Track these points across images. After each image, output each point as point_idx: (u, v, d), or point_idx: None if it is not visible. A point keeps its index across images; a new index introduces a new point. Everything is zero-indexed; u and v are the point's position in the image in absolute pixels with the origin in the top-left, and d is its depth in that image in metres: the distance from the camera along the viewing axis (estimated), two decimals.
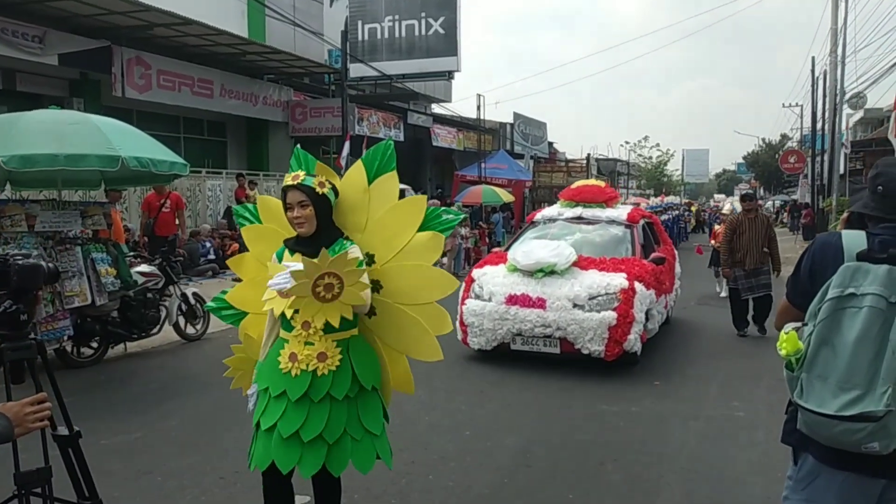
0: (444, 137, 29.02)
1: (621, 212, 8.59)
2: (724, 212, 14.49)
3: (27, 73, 14.07)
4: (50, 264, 2.78)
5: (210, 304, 3.38)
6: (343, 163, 19.33)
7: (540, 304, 6.85)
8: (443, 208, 3.13)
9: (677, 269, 9.59)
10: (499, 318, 6.99)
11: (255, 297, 3.05)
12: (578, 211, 8.60)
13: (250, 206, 3.33)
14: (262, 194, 18.03)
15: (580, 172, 43.72)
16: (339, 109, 19.47)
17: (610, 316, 6.67)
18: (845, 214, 3.46)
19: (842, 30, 24.09)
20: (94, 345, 7.26)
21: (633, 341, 6.78)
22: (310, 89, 21.75)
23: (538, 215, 9.08)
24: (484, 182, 25.20)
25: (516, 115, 36.13)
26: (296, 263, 2.74)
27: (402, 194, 12.65)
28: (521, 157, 33.82)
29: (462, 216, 3.31)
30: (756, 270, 8.79)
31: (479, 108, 29.22)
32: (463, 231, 16.83)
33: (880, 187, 2.25)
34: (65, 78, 14.81)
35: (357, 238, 3.02)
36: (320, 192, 2.87)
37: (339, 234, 2.97)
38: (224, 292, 3.32)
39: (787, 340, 2.12)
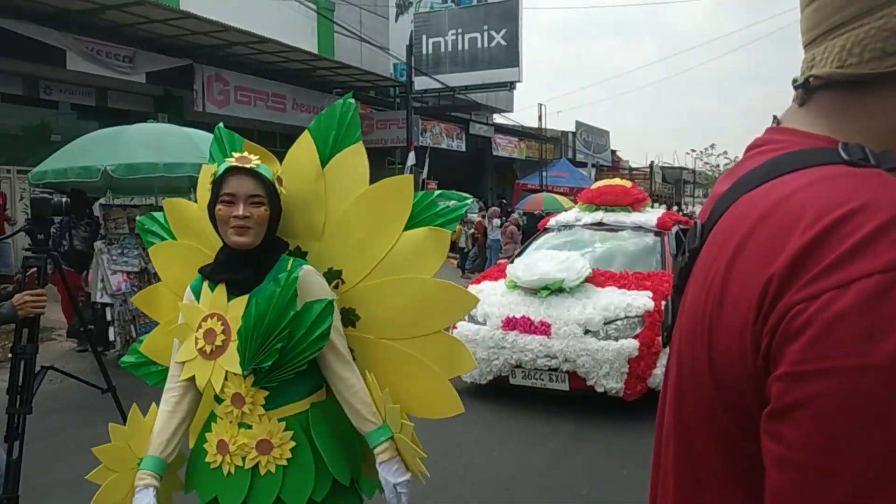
0: (504, 147, 29.45)
1: (650, 216, 7.31)
2: None
3: (117, 91, 15.19)
4: (64, 198, 3.29)
5: (126, 358, 2.40)
6: (407, 173, 19.98)
7: (544, 329, 5.67)
8: (439, 191, 2.22)
9: None
10: (494, 346, 5.81)
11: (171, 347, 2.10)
12: (599, 216, 7.39)
13: (160, 215, 2.35)
14: None
15: (644, 180, 43.46)
16: (404, 121, 20.12)
17: (630, 345, 5.44)
18: None
19: None
20: None
21: (660, 376, 5.43)
22: (375, 102, 22.51)
23: (552, 221, 7.86)
24: (545, 190, 25.47)
25: (578, 124, 36.29)
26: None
27: None
28: (583, 165, 33.94)
29: (469, 199, 2.27)
30: None
31: (540, 117, 29.60)
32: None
33: None
34: (151, 95, 15.89)
35: (314, 249, 2.11)
36: (280, 190, 1.97)
37: (282, 246, 2.03)
38: (141, 340, 2.36)
39: None
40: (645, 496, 4.11)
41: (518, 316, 5.82)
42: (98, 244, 7.02)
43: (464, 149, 25.40)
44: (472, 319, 6.12)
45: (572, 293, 5.86)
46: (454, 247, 19.38)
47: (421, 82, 21.04)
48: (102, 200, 8.42)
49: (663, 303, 5.49)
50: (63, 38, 12.72)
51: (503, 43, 20.85)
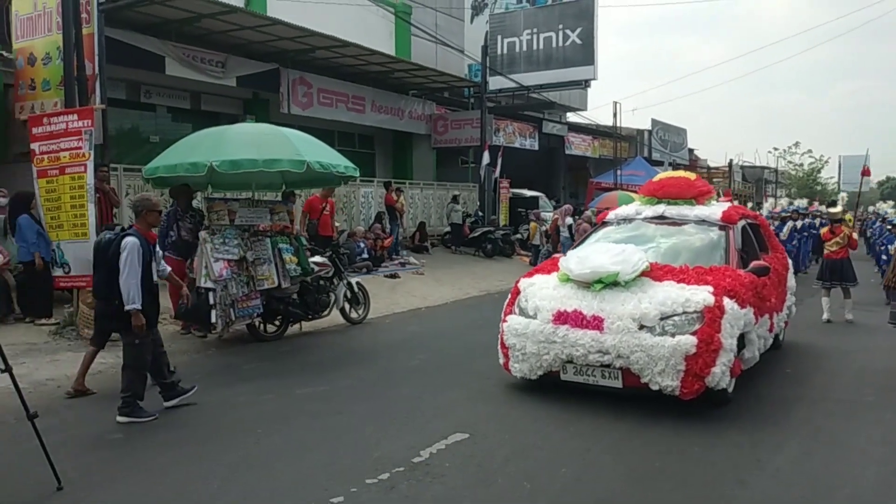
0: (577, 145, 29.42)
1: (714, 210, 6.94)
2: (831, 211, 11.71)
3: (209, 94, 16.11)
4: None
5: None
6: (482, 172, 20.37)
7: (596, 323, 5.43)
8: None
9: (790, 282, 7.94)
10: (544, 341, 5.61)
11: None
12: (661, 209, 7.05)
13: None
14: (408, 200, 19.10)
15: (723, 179, 42.45)
16: (478, 121, 20.45)
17: (687, 341, 5.16)
18: None
19: None
20: (277, 323, 8.51)
21: (720, 375, 5.21)
22: (449, 102, 22.93)
23: (611, 214, 7.56)
24: (620, 188, 25.34)
25: (654, 122, 35.82)
26: None
27: (535, 202, 13.83)
28: (659, 164, 33.48)
29: None
30: (891, 290, 7.64)
31: (615, 115, 29.41)
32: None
33: None
34: (239, 98, 16.78)
35: None
36: None
37: None
38: None
39: None
40: (716, 471, 4.48)
41: (569, 310, 5.60)
42: (202, 234, 7.63)
43: (536, 147, 25.53)
44: (523, 313, 5.94)
45: (627, 287, 5.62)
46: (526, 244, 19.59)
47: (495, 82, 21.33)
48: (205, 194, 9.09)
49: (725, 299, 5.41)
50: (163, 46, 13.65)
51: (578, 41, 20.91)
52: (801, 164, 67.69)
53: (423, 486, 3.99)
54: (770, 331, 6.65)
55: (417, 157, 21.80)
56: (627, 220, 7.22)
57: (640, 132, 35.62)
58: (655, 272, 5.80)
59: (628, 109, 70.24)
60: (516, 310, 6.10)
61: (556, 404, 5.61)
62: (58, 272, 8.24)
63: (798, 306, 10.07)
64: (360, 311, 9.63)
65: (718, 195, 7.91)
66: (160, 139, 15.22)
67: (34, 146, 8.23)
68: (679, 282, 5.66)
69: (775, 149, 66.48)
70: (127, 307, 5.27)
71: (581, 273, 5.75)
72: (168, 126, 15.99)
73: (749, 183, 52.40)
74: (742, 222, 7.02)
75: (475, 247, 18.46)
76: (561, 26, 21.17)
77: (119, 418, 5.21)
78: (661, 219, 7.01)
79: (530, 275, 6.48)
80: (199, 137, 7.88)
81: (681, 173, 7.77)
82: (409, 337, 8.79)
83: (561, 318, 5.61)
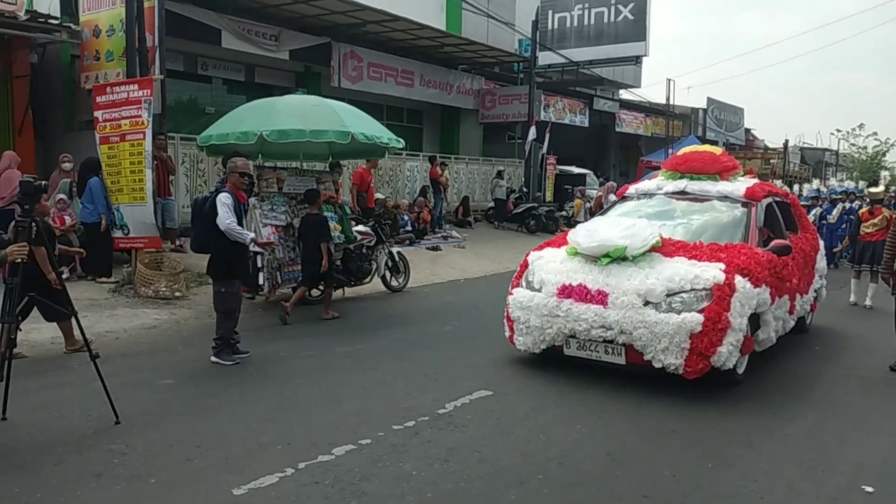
0: (629, 123, 29.10)
1: (738, 186, 6.69)
2: (871, 190, 10.77)
3: (263, 67, 16.56)
4: (43, 182, 4.42)
5: None
6: (527, 148, 20.44)
7: (600, 298, 5.34)
8: None
9: (820, 264, 7.68)
10: (548, 314, 5.57)
11: None
12: (682, 184, 6.84)
13: None
14: (453, 175, 19.29)
15: (778, 160, 41.40)
16: (526, 96, 20.47)
17: (693, 319, 5.04)
18: None
19: None
20: (321, 287, 8.89)
21: (726, 355, 5.09)
22: (498, 77, 22.96)
23: (631, 188, 7.44)
24: None
25: (710, 101, 35.13)
26: None
27: (582, 179, 14.01)
28: (713, 143, 32.87)
29: None
30: None
31: (668, 95, 28.96)
32: None
33: None
34: (292, 71, 17.18)
35: None
36: None
37: None
38: None
39: None
40: (727, 435, 4.71)
41: (574, 284, 5.52)
42: (252, 200, 8.02)
43: (587, 124, 25.39)
44: (529, 286, 5.91)
45: (635, 262, 5.48)
46: (570, 221, 19.64)
47: (545, 57, 21.26)
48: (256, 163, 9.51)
49: (737, 277, 5.38)
50: (219, 19, 14.10)
51: (630, 17, 20.67)
52: (865, 147, 65.26)
53: (445, 434, 4.30)
54: (790, 313, 6.45)
55: (464, 131, 21.97)
56: (648, 194, 7.05)
57: (695, 111, 34.99)
58: (667, 248, 5.66)
59: (683, 87, 68.61)
60: (523, 283, 6.06)
61: (578, 370, 5.80)
62: (117, 234, 8.78)
63: (839, 290, 10.09)
64: (401, 280, 9.96)
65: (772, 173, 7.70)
66: (216, 110, 15.74)
67: (97, 114, 8.75)
68: (690, 258, 5.51)
69: (838, 130, 63.98)
70: (247, 243, 6.01)
71: (588, 246, 5.67)
72: (223, 98, 16.50)
73: (808, 165, 50.92)
74: (767, 200, 6.77)
75: (518, 223, 18.61)
76: (613, 1, 20.93)
77: (212, 358, 5.88)
78: (682, 194, 6.83)
79: (540, 248, 6.40)
80: (250, 108, 8.27)
81: (707, 148, 7.53)
82: (445, 305, 9.10)
83: (565, 291, 5.55)
